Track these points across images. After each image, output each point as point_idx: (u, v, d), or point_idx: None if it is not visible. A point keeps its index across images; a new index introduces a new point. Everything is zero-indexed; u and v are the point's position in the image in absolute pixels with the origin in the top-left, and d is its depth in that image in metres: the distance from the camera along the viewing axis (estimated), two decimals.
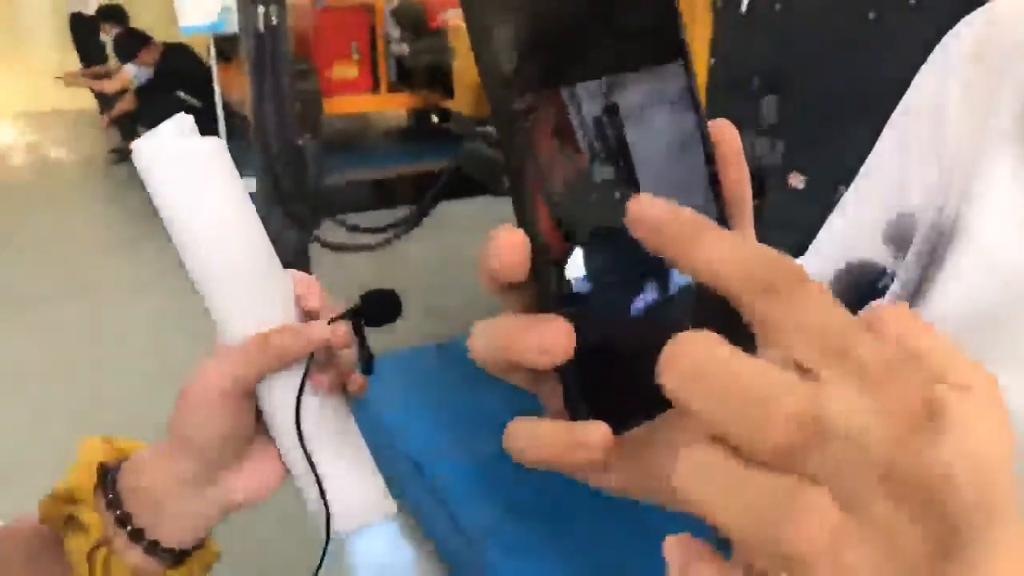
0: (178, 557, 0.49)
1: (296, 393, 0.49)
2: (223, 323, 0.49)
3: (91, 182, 6.26)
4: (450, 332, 3.12)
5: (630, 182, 0.24)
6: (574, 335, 0.23)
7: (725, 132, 0.26)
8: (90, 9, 7.06)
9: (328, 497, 0.50)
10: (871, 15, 1.43)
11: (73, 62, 7.24)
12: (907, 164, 0.45)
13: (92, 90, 6.58)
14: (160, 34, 5.89)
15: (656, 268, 0.24)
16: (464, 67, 3.82)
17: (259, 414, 0.50)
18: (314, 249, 3.17)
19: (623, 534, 2.03)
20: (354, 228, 3.17)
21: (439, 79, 5.29)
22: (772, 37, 1.78)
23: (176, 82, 5.65)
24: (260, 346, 0.47)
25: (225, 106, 5.01)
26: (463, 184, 3.02)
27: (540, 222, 0.24)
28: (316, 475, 0.50)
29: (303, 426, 0.49)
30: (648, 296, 0.24)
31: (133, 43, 5.83)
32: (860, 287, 0.46)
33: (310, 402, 0.50)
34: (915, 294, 0.41)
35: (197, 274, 0.49)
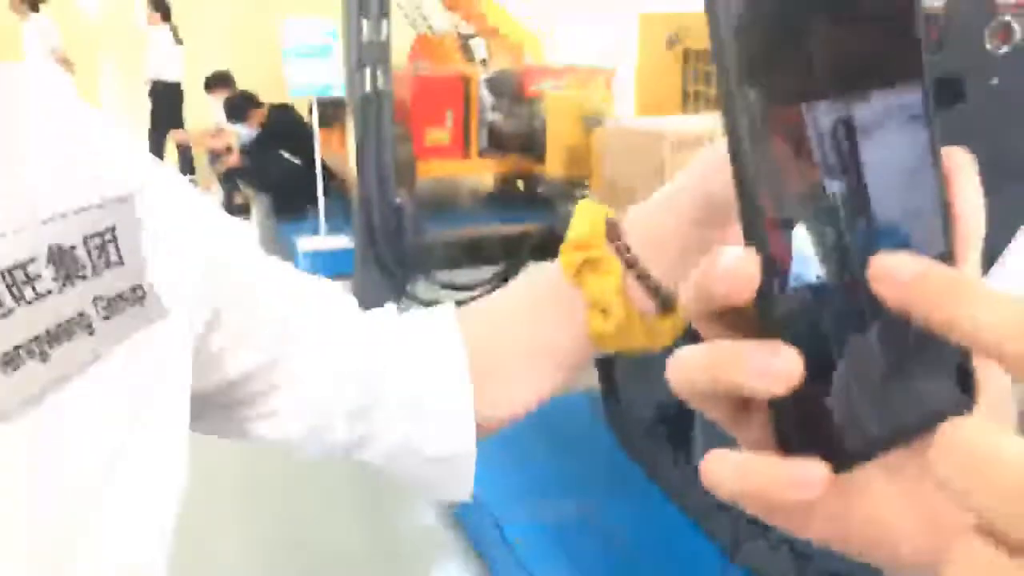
0: (668, 304, 0.49)
1: None
2: None
3: None
4: None
5: (863, 203, 0.23)
6: (801, 363, 0.22)
7: (959, 160, 0.25)
8: (171, 76, 7.36)
9: None
10: (994, 81, 1.39)
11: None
12: None
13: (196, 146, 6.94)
14: (263, 95, 6.21)
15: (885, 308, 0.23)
16: (557, 132, 3.91)
17: None
18: (406, 304, 3.25)
19: None
20: (446, 285, 3.24)
21: (529, 145, 5.40)
22: None
23: (280, 141, 5.93)
24: None
25: (324, 167, 5.22)
26: (553, 244, 3.06)
27: (771, 243, 0.23)
28: None
29: None
30: (876, 333, 0.23)
31: (244, 106, 6.15)
32: None
33: None
34: None
35: None
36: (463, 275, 3.38)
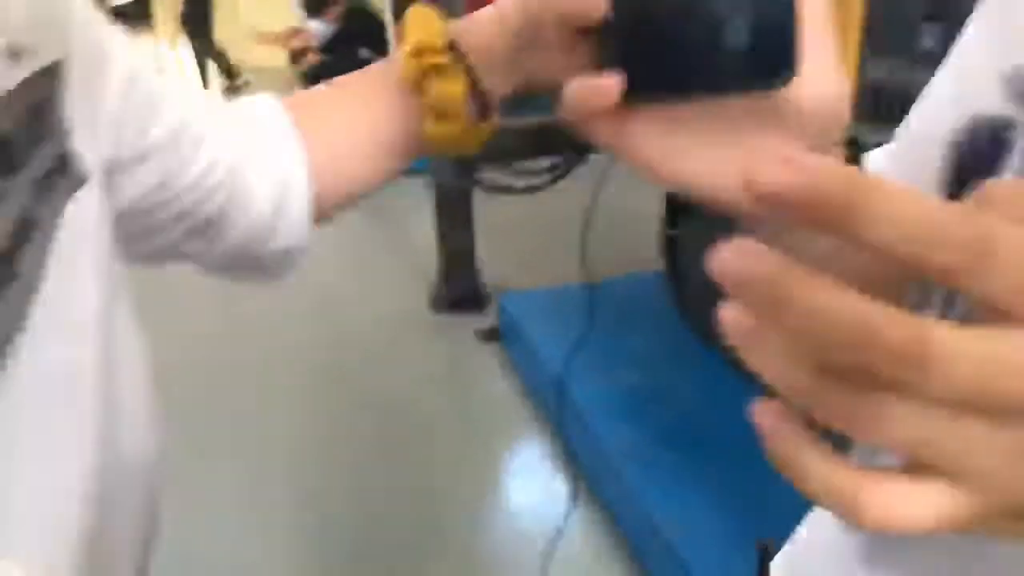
0: (488, 111, 0.52)
1: None
2: None
3: None
4: (599, 274, 3.18)
5: None
6: None
7: None
8: None
9: None
10: None
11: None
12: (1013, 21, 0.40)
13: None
14: None
15: None
16: None
17: None
18: (476, 193, 3.33)
19: (765, 465, 2.05)
20: (514, 172, 3.30)
21: None
22: None
23: (358, 39, 5.97)
24: None
25: None
26: None
27: None
28: None
29: None
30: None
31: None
32: (985, 141, 0.40)
33: None
34: None
35: None
36: (533, 165, 3.42)
